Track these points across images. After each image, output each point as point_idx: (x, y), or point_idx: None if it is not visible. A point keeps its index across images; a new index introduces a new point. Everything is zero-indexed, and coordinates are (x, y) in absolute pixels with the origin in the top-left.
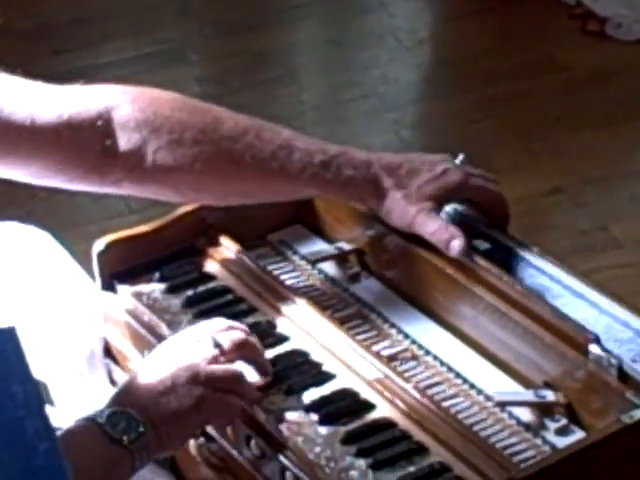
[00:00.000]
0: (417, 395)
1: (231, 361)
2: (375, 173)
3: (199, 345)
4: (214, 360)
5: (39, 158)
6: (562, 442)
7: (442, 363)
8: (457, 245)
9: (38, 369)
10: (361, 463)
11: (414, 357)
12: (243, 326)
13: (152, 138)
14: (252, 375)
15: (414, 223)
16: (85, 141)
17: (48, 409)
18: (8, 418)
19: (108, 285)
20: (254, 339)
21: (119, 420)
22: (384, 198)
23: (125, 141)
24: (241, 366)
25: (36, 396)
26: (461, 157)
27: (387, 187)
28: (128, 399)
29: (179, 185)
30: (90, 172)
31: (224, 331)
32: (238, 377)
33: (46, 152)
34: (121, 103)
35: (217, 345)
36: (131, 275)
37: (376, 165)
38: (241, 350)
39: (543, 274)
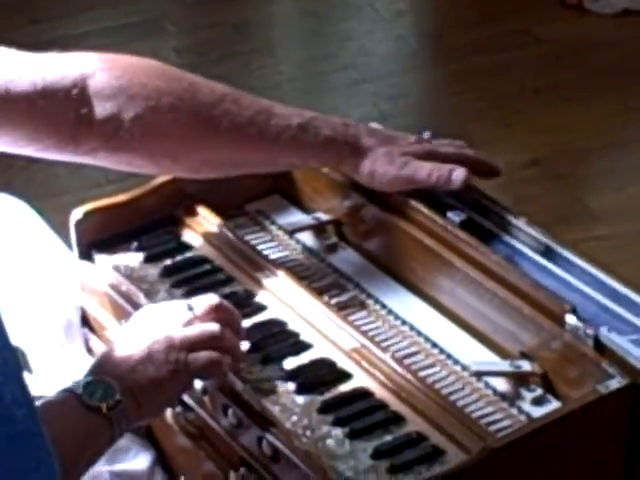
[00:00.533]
0: (394, 365)
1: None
2: (354, 133)
3: (173, 311)
4: (188, 324)
5: (13, 127)
6: (538, 412)
7: (419, 333)
8: (461, 174)
9: (16, 337)
10: (338, 432)
11: (388, 326)
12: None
13: (128, 106)
14: None
15: (403, 173)
16: (60, 110)
17: (26, 376)
18: None
19: (86, 254)
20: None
21: (96, 389)
22: (364, 157)
23: (101, 109)
24: None
25: (14, 363)
26: (427, 134)
27: (368, 145)
28: (105, 368)
29: (155, 154)
30: (65, 141)
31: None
32: (214, 335)
33: (20, 121)
34: (96, 71)
35: (190, 309)
36: (109, 245)
37: (353, 128)
38: (215, 313)
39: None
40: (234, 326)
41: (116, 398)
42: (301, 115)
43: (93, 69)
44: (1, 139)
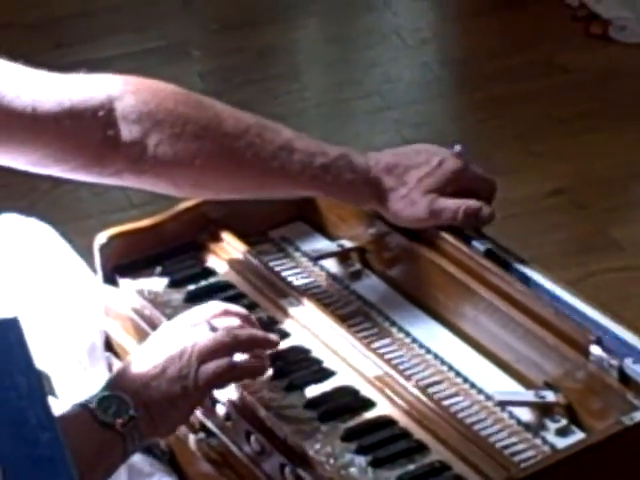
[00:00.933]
0: (417, 393)
1: None
2: (375, 176)
3: (194, 329)
4: None
5: (40, 146)
6: (562, 443)
7: (443, 362)
8: (487, 211)
9: (40, 361)
10: (361, 460)
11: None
12: (239, 308)
13: (154, 131)
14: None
15: (429, 215)
16: (86, 131)
17: (50, 400)
18: (11, 408)
19: (110, 279)
20: (252, 318)
21: (110, 404)
22: (387, 200)
23: (127, 132)
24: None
25: (39, 387)
26: (458, 147)
27: (388, 188)
28: (120, 384)
29: (178, 180)
30: (91, 162)
31: (220, 316)
32: (225, 340)
33: (47, 141)
34: (124, 94)
35: (213, 329)
36: (133, 269)
37: (375, 168)
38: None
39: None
40: (257, 341)
41: (130, 414)
42: (324, 154)
43: (121, 91)
44: (28, 158)
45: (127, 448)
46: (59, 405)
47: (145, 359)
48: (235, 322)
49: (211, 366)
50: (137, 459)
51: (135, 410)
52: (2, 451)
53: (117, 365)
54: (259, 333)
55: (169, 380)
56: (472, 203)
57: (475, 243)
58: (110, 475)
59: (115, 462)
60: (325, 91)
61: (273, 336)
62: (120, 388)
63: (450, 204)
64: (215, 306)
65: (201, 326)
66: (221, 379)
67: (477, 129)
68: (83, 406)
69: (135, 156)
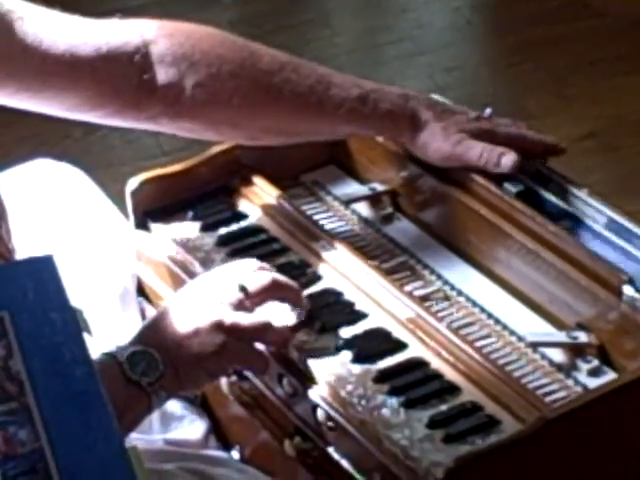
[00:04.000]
0: (450, 335)
1: (258, 304)
2: (412, 107)
3: (225, 289)
4: (239, 304)
5: (76, 92)
6: (594, 383)
7: (475, 304)
8: (510, 160)
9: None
10: (393, 401)
11: (446, 298)
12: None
13: (190, 73)
14: (286, 314)
15: (456, 151)
16: (122, 75)
17: (86, 338)
18: (46, 344)
19: (142, 224)
20: (283, 278)
21: (139, 360)
22: (421, 131)
23: (163, 75)
24: (273, 307)
25: (74, 323)
26: (488, 111)
27: (426, 119)
28: (151, 338)
29: (215, 121)
30: (127, 107)
31: (253, 272)
32: (263, 327)
33: (83, 87)
34: (158, 37)
35: (243, 289)
36: (164, 214)
37: (413, 100)
38: (269, 292)
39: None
40: (291, 300)
41: (157, 372)
42: (360, 86)
43: (155, 35)
44: (64, 104)
45: (152, 404)
46: (94, 343)
47: (178, 316)
48: (267, 277)
49: (247, 349)
50: (169, 403)
51: (164, 368)
52: (37, 386)
53: (149, 310)
54: (292, 291)
55: (201, 342)
56: (497, 150)
57: (507, 185)
58: (135, 427)
59: (140, 415)
60: (356, 37)
61: (305, 300)
62: (151, 343)
63: (475, 147)
64: (250, 263)
65: (231, 285)
66: (250, 364)
67: (509, 73)
68: (113, 357)
69: (172, 99)
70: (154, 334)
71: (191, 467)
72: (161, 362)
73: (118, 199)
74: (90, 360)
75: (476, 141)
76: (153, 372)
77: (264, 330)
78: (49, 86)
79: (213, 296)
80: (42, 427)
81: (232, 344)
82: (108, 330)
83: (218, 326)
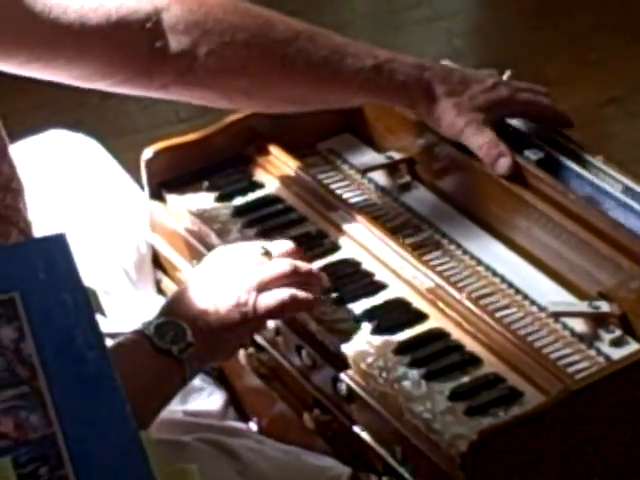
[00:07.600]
0: (470, 305)
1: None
2: (427, 79)
3: (248, 254)
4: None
5: (87, 61)
6: (617, 353)
7: (495, 274)
8: (505, 163)
9: (88, 276)
10: (414, 373)
11: (466, 267)
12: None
13: (203, 41)
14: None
15: (463, 133)
16: (134, 43)
17: (98, 318)
18: (57, 326)
19: (156, 194)
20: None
21: (168, 330)
22: (435, 104)
23: (175, 43)
24: None
25: (86, 305)
26: (508, 73)
27: (439, 94)
28: (177, 310)
29: (228, 90)
30: (139, 75)
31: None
32: (284, 272)
33: (94, 55)
34: (170, 4)
35: (266, 253)
36: (180, 184)
37: (428, 71)
38: (292, 256)
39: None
40: (312, 284)
41: (187, 340)
42: (375, 56)
43: (167, 2)
44: (75, 73)
45: (185, 374)
46: (107, 324)
47: (202, 285)
48: (289, 244)
49: (272, 295)
50: None
51: (193, 336)
52: (49, 370)
53: (165, 281)
54: (314, 269)
55: (227, 307)
56: (497, 149)
57: (527, 152)
58: (170, 401)
59: (174, 388)
60: (374, 1)
61: (325, 277)
62: (177, 314)
63: (480, 136)
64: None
65: (254, 250)
66: (280, 308)
67: (528, 38)
68: (140, 332)
69: (184, 67)
70: (180, 305)
71: (209, 438)
72: (189, 331)
73: (133, 167)
74: (103, 343)
75: (484, 128)
76: (182, 340)
77: (286, 275)
78: (59, 55)
79: (236, 262)
80: (54, 412)
81: (256, 301)
82: (124, 304)
83: (241, 287)
